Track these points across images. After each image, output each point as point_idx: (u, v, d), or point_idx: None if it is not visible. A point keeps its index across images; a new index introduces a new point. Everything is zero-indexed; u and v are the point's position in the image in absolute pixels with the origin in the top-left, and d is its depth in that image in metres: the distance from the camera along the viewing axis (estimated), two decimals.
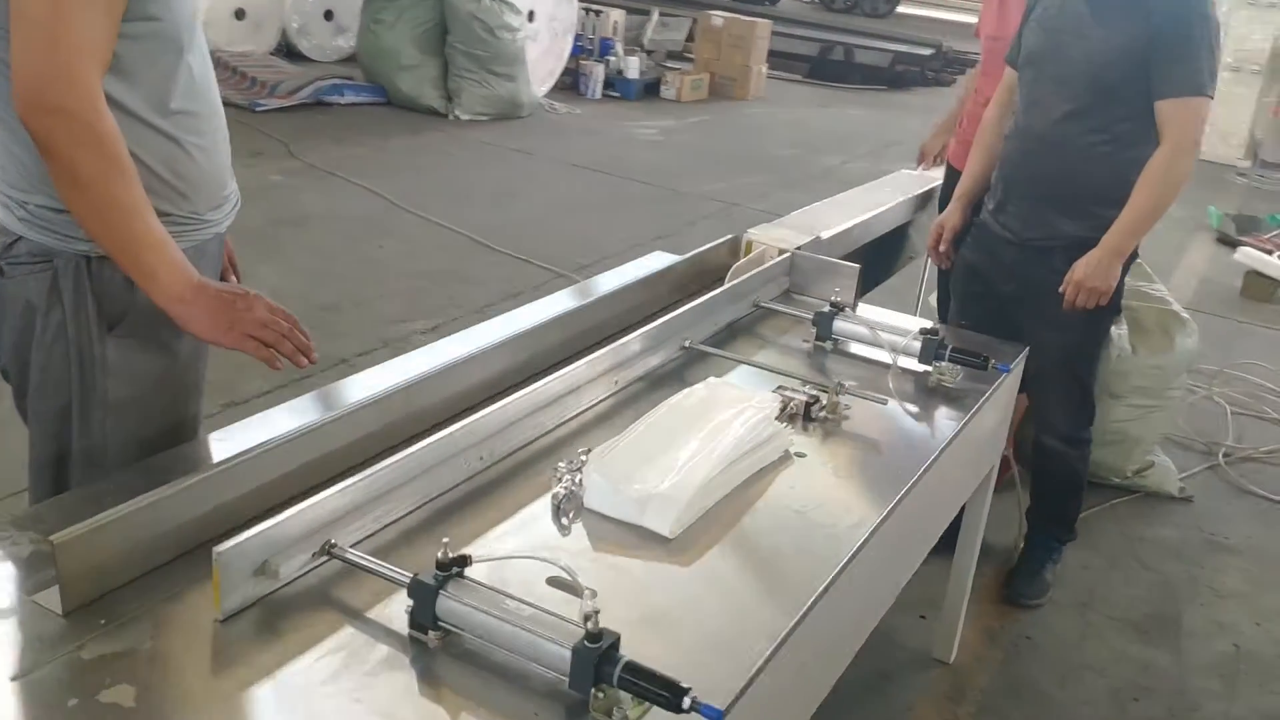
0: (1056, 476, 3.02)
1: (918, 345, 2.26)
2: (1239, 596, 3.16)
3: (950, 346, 2.24)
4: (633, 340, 2.07)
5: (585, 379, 1.95)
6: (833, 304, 2.38)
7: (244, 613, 1.35)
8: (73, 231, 1.61)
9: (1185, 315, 3.65)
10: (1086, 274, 2.66)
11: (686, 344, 2.22)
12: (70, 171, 1.49)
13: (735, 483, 1.75)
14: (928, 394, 2.20)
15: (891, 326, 2.35)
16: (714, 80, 10.00)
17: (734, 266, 2.61)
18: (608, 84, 9.53)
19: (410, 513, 1.59)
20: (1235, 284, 5.93)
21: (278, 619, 1.35)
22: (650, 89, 9.71)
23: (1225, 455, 3.97)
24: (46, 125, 1.46)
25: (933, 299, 3.93)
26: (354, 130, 7.31)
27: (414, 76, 7.93)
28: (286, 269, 4.82)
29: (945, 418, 2.12)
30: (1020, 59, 2.83)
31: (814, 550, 1.63)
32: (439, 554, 1.34)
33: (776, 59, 10.62)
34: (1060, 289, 2.70)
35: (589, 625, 1.24)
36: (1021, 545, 3.14)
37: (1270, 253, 6.26)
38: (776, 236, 2.75)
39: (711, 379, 2.04)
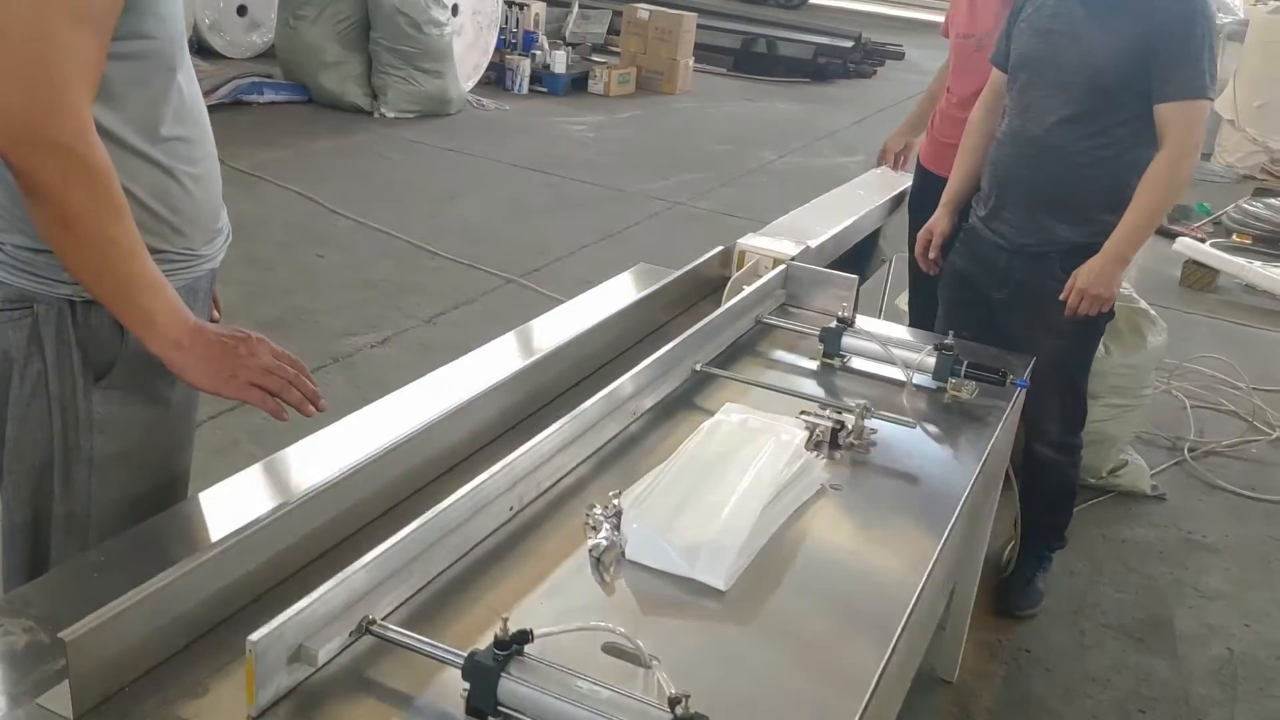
0: (1049, 485, 2.97)
1: (932, 361, 2.18)
2: (1225, 597, 3.15)
3: (966, 362, 2.15)
4: (647, 368, 1.94)
5: (603, 413, 1.82)
6: (840, 319, 2.29)
7: (278, 705, 1.20)
8: (55, 274, 1.44)
9: (1154, 313, 3.64)
10: (1090, 281, 2.60)
11: (697, 367, 2.11)
12: (59, 210, 1.33)
13: (779, 523, 1.64)
14: (947, 412, 2.12)
15: (902, 341, 2.27)
16: (641, 74, 9.87)
17: (732, 279, 2.50)
18: (534, 79, 9.34)
19: (441, 573, 1.45)
20: (1174, 274, 5.99)
21: (315, 710, 1.21)
22: (578, 83, 9.55)
23: (1190, 450, 3.97)
24: (33, 160, 1.30)
25: (901, 302, 3.87)
26: (278, 131, 7.04)
27: (337, 74, 7.67)
28: (222, 283, 4.55)
29: (970, 438, 2.03)
30: (1011, 62, 2.75)
31: (878, 595, 1.53)
32: (498, 630, 1.21)
33: (700, 52, 10.53)
34: (1061, 296, 2.65)
35: (678, 711, 1.13)
36: (1014, 555, 3.08)
37: (1203, 241, 6.36)
38: (769, 247, 2.65)
39: (729, 405, 1.93)
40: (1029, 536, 3.03)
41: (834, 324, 2.27)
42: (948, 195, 2.97)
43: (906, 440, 1.98)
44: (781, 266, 2.52)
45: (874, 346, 2.25)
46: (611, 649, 1.32)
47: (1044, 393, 2.80)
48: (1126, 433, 3.60)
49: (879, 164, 3.93)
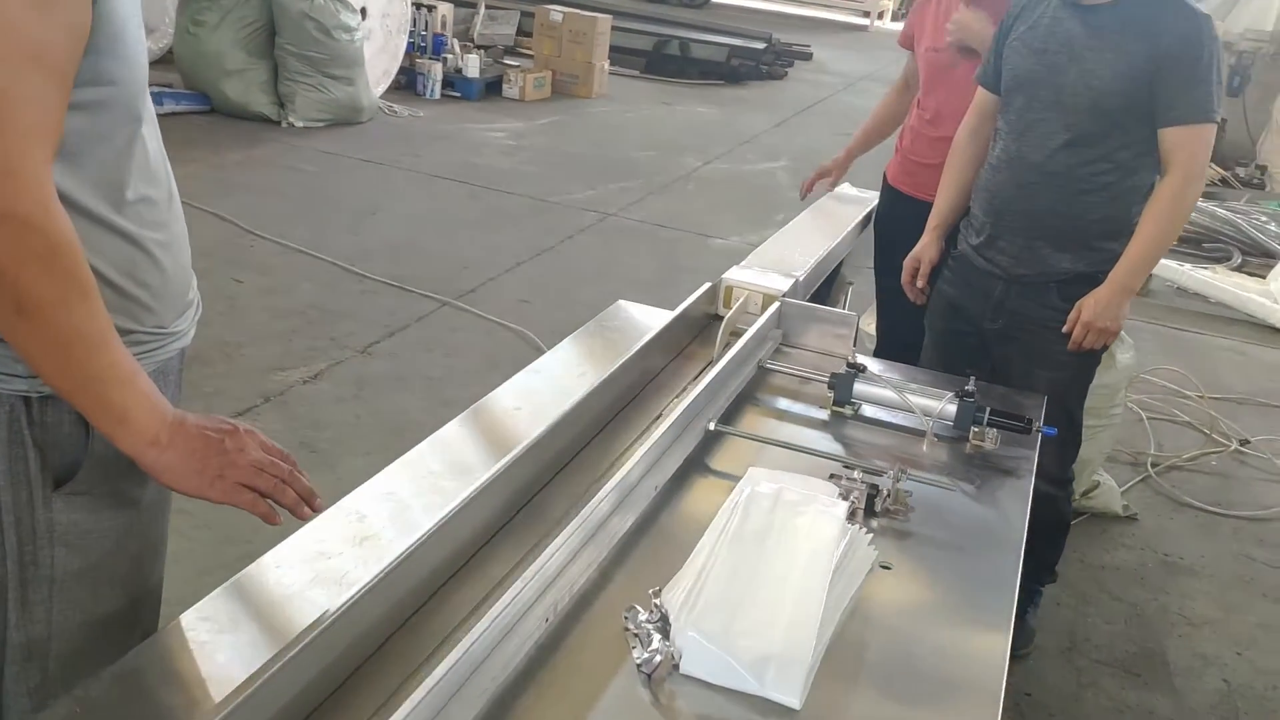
0: (1043, 521, 2.84)
1: (953, 409, 2.04)
2: (1212, 623, 3.09)
3: (989, 410, 2.02)
4: (661, 438, 1.75)
5: (622, 496, 1.63)
6: (850, 365, 2.13)
7: None
8: (7, 367, 1.21)
9: (1122, 332, 3.57)
10: (1096, 314, 2.48)
11: (711, 426, 1.93)
12: (14, 295, 1.09)
13: (839, 618, 1.47)
14: (974, 465, 1.98)
15: (916, 386, 2.12)
16: (556, 78, 9.65)
17: (725, 319, 2.32)
18: (446, 83, 9.05)
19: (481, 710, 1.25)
20: None
21: None
22: (492, 88, 9.29)
23: (1153, 466, 3.93)
24: None
25: (870, 327, 3.74)
26: (180, 144, 6.64)
27: (241, 82, 7.30)
28: None
29: (1008, 495, 1.89)
30: (1006, 83, 2.61)
31: (963, 690, 1.37)
32: None
33: (614, 54, 10.35)
34: (1064, 329, 2.53)
35: None
36: None
37: None
38: (759, 282, 2.48)
39: (755, 472, 1.76)
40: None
41: (844, 369, 2.11)
42: (935, 220, 2.83)
43: (943, 501, 1.83)
44: (775, 305, 2.35)
45: (889, 394, 2.10)
46: None
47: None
48: (1098, 454, 3.52)
49: (807, 188, 3.66)
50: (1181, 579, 3.27)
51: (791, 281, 2.50)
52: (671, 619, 1.38)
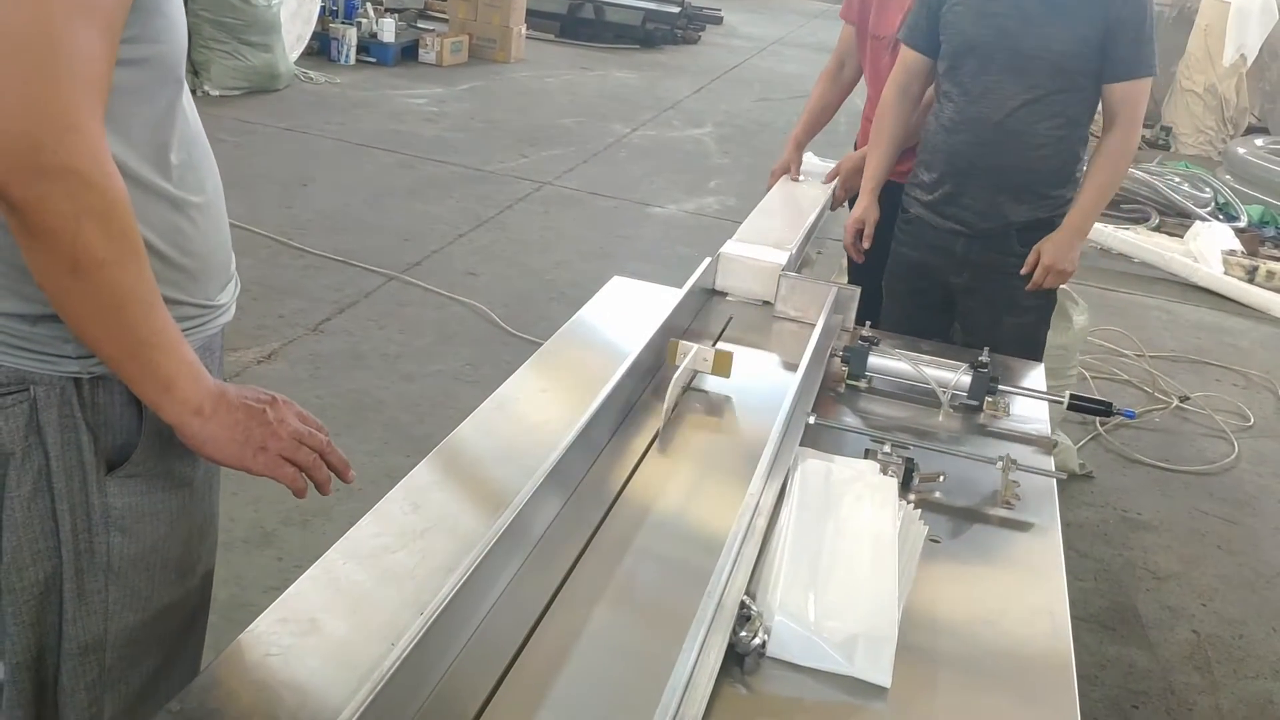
0: None
1: (968, 380, 2.07)
2: (1175, 577, 3.21)
3: (1069, 394, 2.08)
4: (787, 438, 1.76)
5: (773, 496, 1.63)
6: (864, 338, 2.15)
7: None
8: (57, 348, 1.18)
9: (1074, 294, 3.67)
10: (1055, 257, 2.66)
11: (811, 420, 1.90)
12: (70, 254, 1.05)
13: (906, 594, 1.49)
14: (992, 435, 2.02)
15: (931, 359, 2.15)
16: (473, 42, 9.49)
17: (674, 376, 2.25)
18: (361, 48, 8.84)
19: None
20: None
21: None
22: (408, 53, 9.10)
23: (1102, 424, 4.05)
24: (39, 192, 1.01)
25: None
26: None
27: None
28: None
29: (1034, 459, 1.93)
30: (952, 46, 2.70)
31: (1040, 664, 1.41)
32: None
33: (529, 18, 10.21)
34: (1023, 271, 2.71)
35: None
36: None
37: None
38: (758, 256, 2.47)
39: (803, 450, 1.77)
40: None
41: (858, 342, 2.13)
42: (871, 182, 2.95)
43: (973, 471, 1.86)
44: (833, 292, 2.32)
45: (903, 366, 2.12)
46: None
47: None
48: (1057, 414, 3.61)
49: (771, 184, 3.62)
50: (1142, 534, 3.39)
51: (784, 255, 2.51)
52: (755, 606, 1.38)
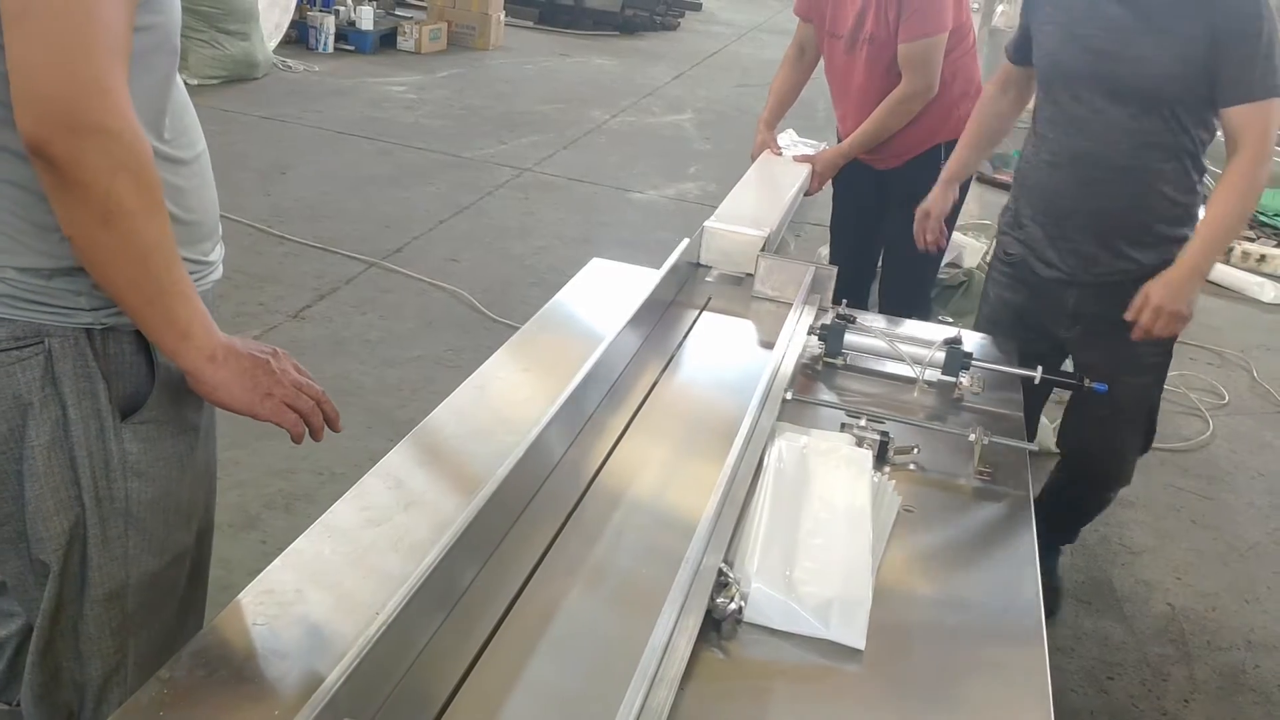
0: (1095, 498, 2.89)
1: (941, 356, 2.10)
2: (1150, 551, 3.25)
3: (1040, 369, 2.11)
4: (764, 414, 1.78)
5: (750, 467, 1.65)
6: (840, 315, 2.18)
7: None
8: (70, 301, 1.25)
9: None
10: (1167, 297, 2.28)
11: (788, 396, 1.93)
12: (103, 206, 1.12)
13: (879, 559, 1.52)
14: (966, 409, 2.05)
15: (906, 336, 2.18)
16: (452, 29, 9.46)
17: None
18: (340, 36, 8.80)
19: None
20: None
21: None
22: (386, 40, 9.07)
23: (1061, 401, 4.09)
24: (75, 148, 1.09)
25: None
26: None
27: None
28: None
29: (1007, 432, 1.96)
30: (1043, 69, 2.44)
31: (1011, 629, 1.44)
32: None
33: (507, 4, 10.19)
34: (1128, 316, 2.34)
35: None
36: None
37: None
38: (741, 230, 2.51)
39: (781, 426, 1.80)
40: (1047, 534, 2.17)
41: (833, 320, 2.16)
42: (950, 173, 2.84)
43: (947, 445, 1.90)
44: (810, 270, 2.35)
45: (879, 344, 2.15)
46: None
47: (1127, 430, 2.63)
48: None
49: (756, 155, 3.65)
50: (1117, 509, 3.43)
51: (763, 233, 2.53)
52: (732, 574, 1.41)
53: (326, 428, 1.44)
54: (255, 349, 1.36)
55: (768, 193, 3.00)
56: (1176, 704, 2.67)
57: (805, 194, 3.30)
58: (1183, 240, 2.36)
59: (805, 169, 3.32)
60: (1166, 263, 2.33)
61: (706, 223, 2.54)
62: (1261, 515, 3.57)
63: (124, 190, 1.12)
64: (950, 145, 3.14)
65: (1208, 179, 2.41)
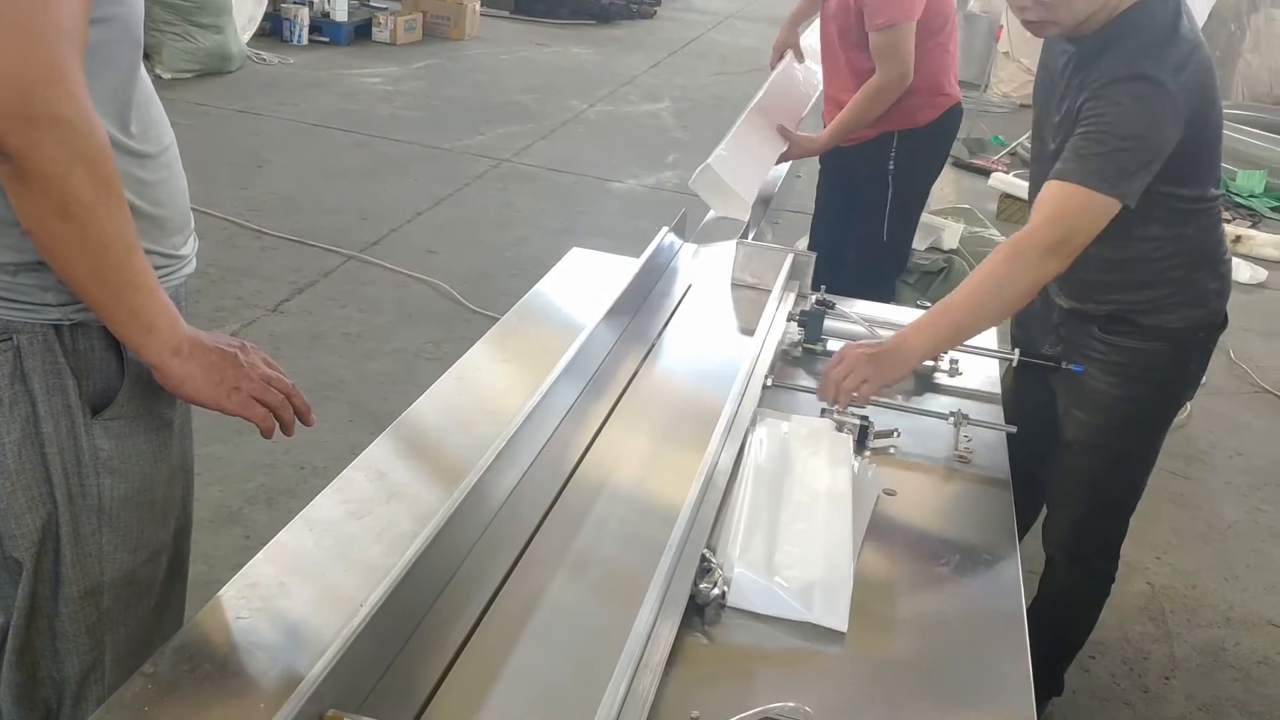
0: (1057, 599, 2.36)
1: None
2: (1130, 531, 3.22)
3: (1018, 352, 2.14)
4: (746, 400, 1.80)
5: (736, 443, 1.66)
6: (820, 301, 2.19)
7: None
8: (37, 296, 1.23)
9: None
10: (863, 358, 1.88)
11: (769, 383, 1.95)
12: (60, 198, 1.11)
13: (860, 543, 1.53)
14: (941, 393, 2.06)
15: (885, 322, 2.19)
16: (427, 20, 9.41)
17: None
18: (314, 28, 8.74)
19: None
20: (991, 208, 6.20)
21: None
22: (361, 32, 9.01)
23: None
24: (31, 138, 1.07)
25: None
26: None
27: None
28: None
29: (982, 414, 1.97)
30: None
31: (991, 610, 1.45)
32: None
33: None
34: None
35: None
36: None
37: (1007, 172, 6.62)
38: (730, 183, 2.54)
39: (763, 412, 1.81)
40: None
41: (811, 306, 2.17)
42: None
43: (927, 428, 1.91)
44: (789, 258, 2.36)
45: (858, 329, 2.16)
46: None
47: (1067, 484, 2.25)
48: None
49: (774, 61, 3.61)
50: None
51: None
52: (715, 559, 1.41)
53: (298, 422, 1.42)
54: (223, 342, 1.35)
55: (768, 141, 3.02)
56: (1157, 682, 2.70)
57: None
58: (1134, 301, 2.04)
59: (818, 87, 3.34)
60: (1121, 314, 2.05)
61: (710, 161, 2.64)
62: (1240, 494, 3.60)
63: (81, 182, 1.11)
64: (903, 134, 3.16)
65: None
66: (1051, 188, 1.83)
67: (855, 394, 1.84)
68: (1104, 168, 1.78)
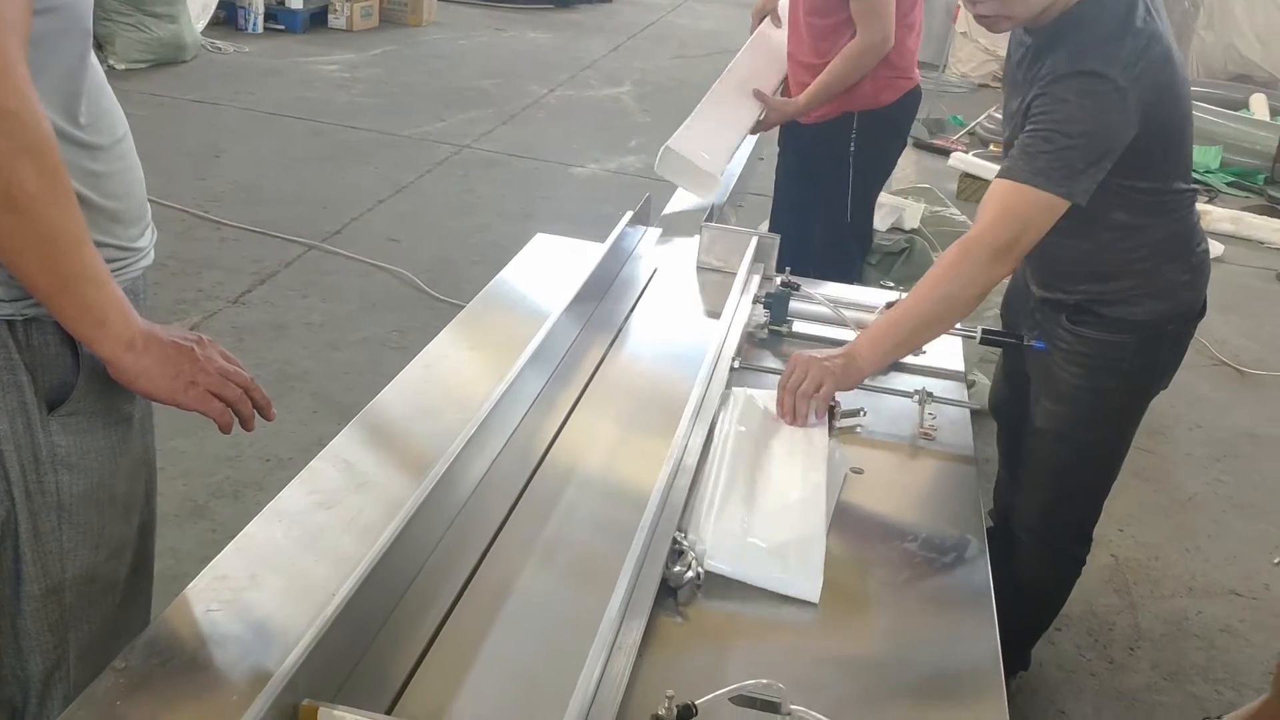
0: (1022, 573, 2.31)
1: None
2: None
3: (981, 330, 2.17)
4: (715, 381, 1.81)
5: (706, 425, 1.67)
6: (785, 283, 2.19)
7: None
8: None
9: None
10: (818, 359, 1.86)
11: (736, 365, 1.96)
12: (6, 190, 1.09)
13: (829, 518, 1.55)
14: (906, 372, 2.08)
15: (850, 302, 2.20)
16: (384, 6, 9.31)
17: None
18: (269, 16, 8.63)
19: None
20: (951, 187, 6.24)
21: None
22: (316, 19, 8.91)
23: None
24: None
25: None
26: None
27: None
28: None
29: (946, 392, 1.99)
30: None
31: (958, 585, 1.48)
32: (660, 711, 1.06)
33: None
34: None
35: None
36: None
37: (966, 152, 6.67)
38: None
39: (737, 390, 1.83)
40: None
41: (777, 288, 2.18)
42: None
43: (892, 407, 1.92)
44: (753, 241, 2.37)
45: (823, 310, 2.17)
46: (740, 700, 1.18)
47: (1033, 469, 2.26)
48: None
49: (754, 26, 3.57)
50: None
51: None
52: (686, 541, 1.42)
53: (258, 416, 1.40)
54: (179, 336, 1.33)
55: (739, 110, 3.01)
56: (1122, 652, 2.74)
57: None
58: (1097, 293, 2.05)
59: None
60: (1086, 304, 2.06)
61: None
62: (1200, 466, 3.66)
63: (26, 174, 1.09)
64: (863, 115, 3.16)
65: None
66: (999, 186, 1.83)
67: (814, 399, 1.80)
68: (1051, 166, 1.77)
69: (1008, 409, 1.96)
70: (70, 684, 1.39)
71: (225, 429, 1.37)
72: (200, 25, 7.96)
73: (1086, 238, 1.97)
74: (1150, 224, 1.99)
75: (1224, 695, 2.63)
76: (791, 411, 1.79)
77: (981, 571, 1.50)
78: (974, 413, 1.95)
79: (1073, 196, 1.78)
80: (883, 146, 3.33)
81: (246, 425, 1.40)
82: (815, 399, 1.80)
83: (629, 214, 2.42)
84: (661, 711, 1.06)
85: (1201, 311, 2.12)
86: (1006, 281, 2.36)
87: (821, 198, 3.35)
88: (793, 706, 1.13)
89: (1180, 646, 2.78)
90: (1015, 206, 1.80)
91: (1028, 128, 1.81)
